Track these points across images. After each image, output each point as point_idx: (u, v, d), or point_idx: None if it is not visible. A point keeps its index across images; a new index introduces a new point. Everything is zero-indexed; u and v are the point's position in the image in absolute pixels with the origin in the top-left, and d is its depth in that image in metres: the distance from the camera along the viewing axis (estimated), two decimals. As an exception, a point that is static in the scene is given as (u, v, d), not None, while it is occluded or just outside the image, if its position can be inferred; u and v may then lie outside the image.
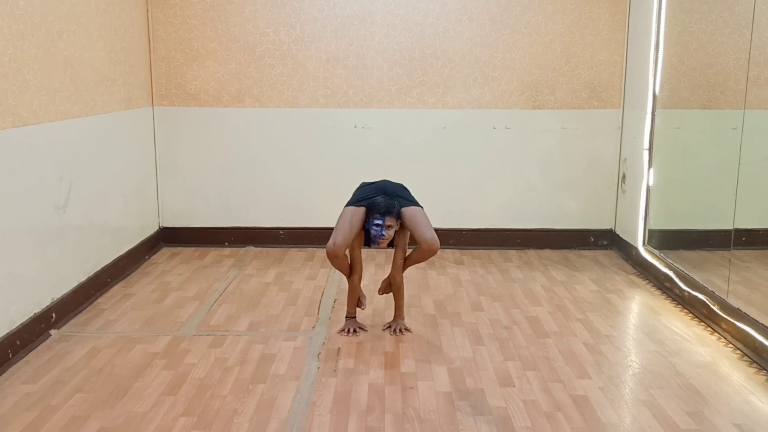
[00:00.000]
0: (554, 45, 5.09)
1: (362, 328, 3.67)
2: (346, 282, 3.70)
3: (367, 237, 3.55)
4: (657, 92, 4.61)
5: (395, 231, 3.50)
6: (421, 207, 3.59)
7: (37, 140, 3.53)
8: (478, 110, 5.18)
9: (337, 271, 4.42)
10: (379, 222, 3.43)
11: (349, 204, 3.58)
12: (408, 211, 3.52)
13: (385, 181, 3.70)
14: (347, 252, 3.58)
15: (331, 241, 3.46)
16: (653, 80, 4.63)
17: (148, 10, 5.03)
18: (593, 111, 5.19)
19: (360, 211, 3.50)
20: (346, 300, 3.71)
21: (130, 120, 4.77)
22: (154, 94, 5.15)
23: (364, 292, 3.91)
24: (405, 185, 3.71)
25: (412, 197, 3.63)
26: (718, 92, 4.18)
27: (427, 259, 3.59)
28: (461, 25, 5.07)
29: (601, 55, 5.11)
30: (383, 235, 3.43)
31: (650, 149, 4.70)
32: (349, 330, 3.63)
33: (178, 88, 5.14)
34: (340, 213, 3.56)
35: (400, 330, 3.64)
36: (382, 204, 3.45)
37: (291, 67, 5.11)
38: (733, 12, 4.06)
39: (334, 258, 3.49)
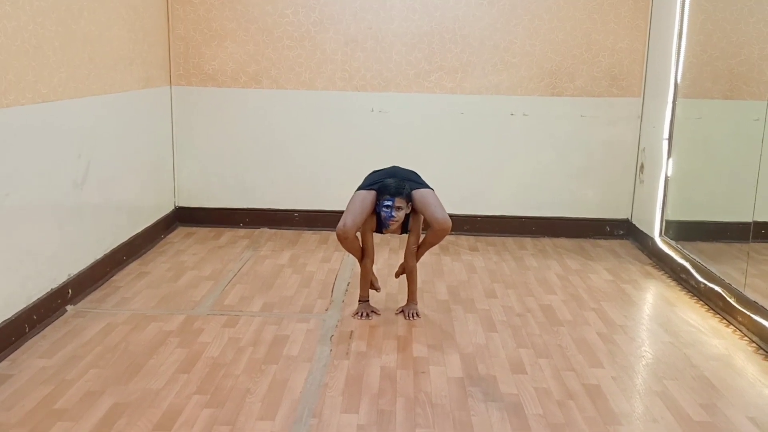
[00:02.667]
0: (575, 31, 5.03)
1: (375, 312, 3.67)
2: (359, 266, 3.70)
3: (378, 223, 3.54)
4: (678, 81, 4.55)
5: (406, 214, 3.49)
6: (432, 189, 3.57)
7: (56, 117, 3.55)
8: (497, 96, 5.14)
9: (351, 255, 4.43)
10: (389, 203, 3.41)
11: (359, 188, 3.58)
12: (418, 193, 3.50)
13: (395, 167, 3.68)
14: (358, 235, 3.58)
15: (341, 222, 3.45)
16: (675, 69, 4.57)
17: (167, -11, 5.03)
18: (613, 99, 5.13)
19: (371, 194, 3.48)
20: (359, 283, 3.72)
21: (148, 99, 4.78)
22: (172, 73, 5.15)
23: (377, 276, 3.91)
24: (417, 172, 3.69)
25: (423, 181, 3.61)
26: (740, 82, 4.12)
27: (441, 239, 3.56)
28: (481, 10, 5.02)
29: (622, 43, 5.05)
30: (393, 216, 3.42)
31: (670, 139, 4.65)
32: (362, 313, 3.64)
33: (195, 68, 5.14)
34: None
35: (413, 315, 3.64)
36: (392, 185, 3.43)
37: (309, 49, 5.09)
38: (759, 1, 4.00)
39: (344, 240, 3.48)
